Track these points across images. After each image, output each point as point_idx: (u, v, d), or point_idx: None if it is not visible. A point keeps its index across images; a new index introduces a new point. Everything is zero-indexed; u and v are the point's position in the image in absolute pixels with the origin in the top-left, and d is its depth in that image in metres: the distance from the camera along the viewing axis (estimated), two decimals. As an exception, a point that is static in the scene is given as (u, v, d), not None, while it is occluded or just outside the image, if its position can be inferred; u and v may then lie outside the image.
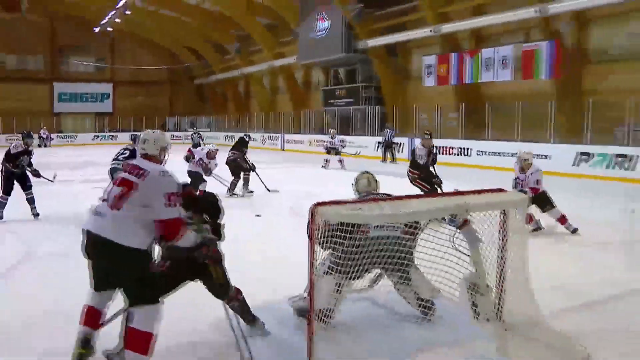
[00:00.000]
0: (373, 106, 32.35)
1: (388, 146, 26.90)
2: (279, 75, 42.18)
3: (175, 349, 4.91)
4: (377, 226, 5.77)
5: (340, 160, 23.53)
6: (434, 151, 11.83)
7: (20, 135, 11.95)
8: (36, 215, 11.28)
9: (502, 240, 4.99)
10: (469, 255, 4.34)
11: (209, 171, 13.75)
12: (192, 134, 29.87)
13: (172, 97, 56.04)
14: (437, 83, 26.92)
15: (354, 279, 5.20)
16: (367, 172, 6.79)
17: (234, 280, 5.11)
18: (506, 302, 5.02)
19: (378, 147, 28.69)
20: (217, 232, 4.93)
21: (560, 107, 22.22)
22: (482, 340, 4.66)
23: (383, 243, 5.23)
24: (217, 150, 14.13)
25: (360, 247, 5.12)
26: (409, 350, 4.87)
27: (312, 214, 4.25)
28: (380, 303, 5.85)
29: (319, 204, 4.30)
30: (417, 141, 12.20)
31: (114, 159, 12.48)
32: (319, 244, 5.23)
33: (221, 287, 4.97)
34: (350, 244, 5.20)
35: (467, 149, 24.20)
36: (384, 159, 26.79)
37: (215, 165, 13.88)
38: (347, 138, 29.75)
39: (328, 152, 24.08)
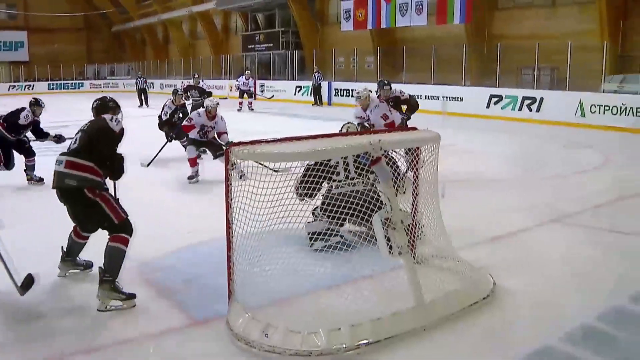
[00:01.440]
0: (292, 51, 32.04)
1: (316, 90, 26.71)
2: (198, 21, 41.14)
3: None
4: (341, 184, 5.77)
5: (250, 103, 23.26)
6: (404, 97, 10.32)
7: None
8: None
9: (415, 176, 5.03)
10: (382, 192, 4.33)
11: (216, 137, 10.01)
12: (136, 79, 28.94)
13: (89, 44, 53.82)
14: (355, 27, 26.77)
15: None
16: (350, 123, 6.75)
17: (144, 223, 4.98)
18: (418, 236, 5.08)
19: (297, 91, 28.51)
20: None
21: (472, 51, 22.59)
22: (395, 273, 4.71)
23: (346, 200, 5.15)
24: (217, 103, 10.07)
25: (335, 200, 5.13)
26: (323, 285, 4.87)
27: (227, 154, 4.16)
28: (297, 241, 5.80)
29: (233, 144, 4.21)
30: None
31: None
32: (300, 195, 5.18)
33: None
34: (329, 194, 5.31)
35: (384, 92, 24.24)
36: (315, 103, 26.65)
37: (224, 124, 10.05)
38: (267, 82, 29.46)
39: (242, 95, 23.76)
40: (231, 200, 4.27)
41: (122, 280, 4.69)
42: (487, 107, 20.02)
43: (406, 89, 20.32)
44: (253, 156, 4.14)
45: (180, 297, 4.85)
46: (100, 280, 4.54)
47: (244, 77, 24.18)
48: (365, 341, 3.91)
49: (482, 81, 21.47)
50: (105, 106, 5.10)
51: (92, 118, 5.03)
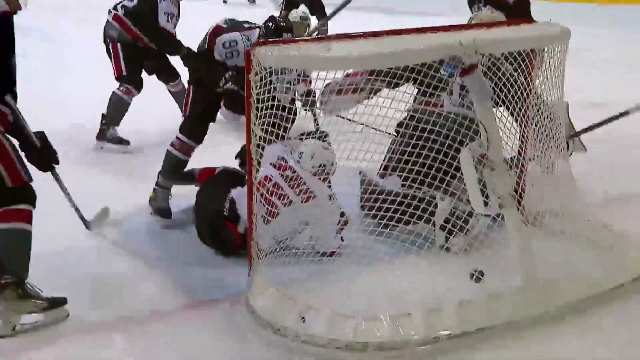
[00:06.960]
0: None
1: None
2: None
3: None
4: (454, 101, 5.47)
5: None
6: None
7: None
8: None
9: (526, 93, 4.94)
10: (473, 117, 4.39)
11: None
12: None
13: None
14: None
15: None
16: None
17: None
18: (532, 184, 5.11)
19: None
20: None
21: None
22: (490, 237, 4.85)
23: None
24: None
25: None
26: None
27: (248, 57, 4.26)
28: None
29: (258, 43, 4.37)
30: None
31: None
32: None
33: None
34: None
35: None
36: None
37: None
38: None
39: None
40: (255, 134, 4.44)
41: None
42: None
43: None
44: (286, 61, 4.24)
45: (176, 273, 5.09)
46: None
47: None
48: (446, 333, 3.94)
49: None
50: None
51: None
